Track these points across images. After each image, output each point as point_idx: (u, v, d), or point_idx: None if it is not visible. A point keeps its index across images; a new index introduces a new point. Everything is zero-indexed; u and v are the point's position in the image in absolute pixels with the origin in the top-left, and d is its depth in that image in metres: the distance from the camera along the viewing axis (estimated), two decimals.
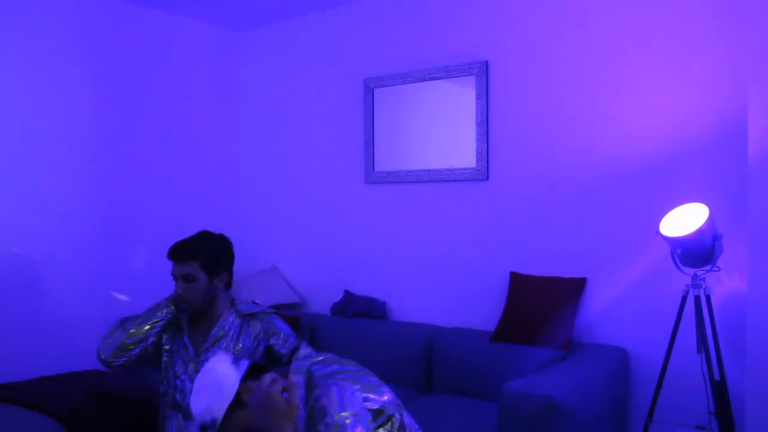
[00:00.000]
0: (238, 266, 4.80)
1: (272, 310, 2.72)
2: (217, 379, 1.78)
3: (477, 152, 3.87)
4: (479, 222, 3.89)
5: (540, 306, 3.49)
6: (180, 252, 2.53)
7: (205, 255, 2.54)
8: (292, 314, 4.40)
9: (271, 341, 2.59)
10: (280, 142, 4.86)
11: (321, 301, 4.58)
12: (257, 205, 4.99)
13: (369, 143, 4.33)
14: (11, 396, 3.32)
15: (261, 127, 4.98)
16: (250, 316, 2.63)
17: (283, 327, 2.64)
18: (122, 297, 4.30)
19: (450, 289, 4.00)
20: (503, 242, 3.80)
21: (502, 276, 3.77)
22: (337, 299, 4.37)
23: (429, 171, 4.08)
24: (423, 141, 4.16)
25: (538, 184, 3.68)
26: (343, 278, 4.48)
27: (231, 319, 2.60)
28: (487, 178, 3.85)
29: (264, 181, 4.96)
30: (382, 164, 4.30)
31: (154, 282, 4.44)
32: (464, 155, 3.93)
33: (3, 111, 3.75)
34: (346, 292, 4.35)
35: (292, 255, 4.79)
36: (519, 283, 3.65)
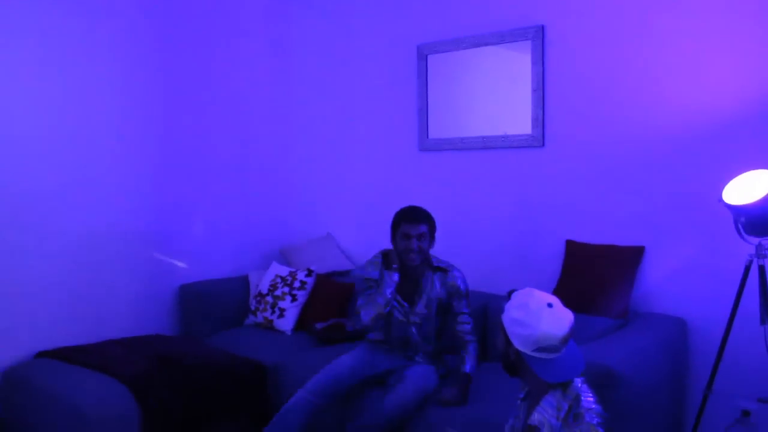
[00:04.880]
0: (292, 234, 4.97)
1: (450, 265, 3.36)
2: None
3: (532, 119, 3.80)
4: (534, 189, 3.84)
5: (596, 274, 3.44)
6: (418, 216, 3.21)
7: (431, 222, 3.26)
8: (346, 281, 4.44)
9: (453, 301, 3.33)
10: (333, 109, 4.87)
11: None
12: (311, 173, 5.03)
13: (422, 110, 4.30)
14: (81, 358, 3.47)
15: (314, 94, 4.99)
16: (439, 270, 3.31)
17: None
18: (181, 264, 4.42)
19: (504, 258, 3.98)
20: (559, 210, 3.75)
21: (558, 244, 3.72)
22: None
23: (483, 138, 4.03)
24: (477, 108, 4.11)
25: (596, 150, 3.61)
26: None
27: (430, 274, 3.31)
28: (543, 145, 3.79)
29: (318, 150, 4.98)
30: (436, 131, 4.27)
31: (211, 248, 4.57)
32: (519, 122, 3.87)
33: (60, 81, 3.82)
34: None
35: (346, 222, 4.82)
36: (575, 252, 3.60)
